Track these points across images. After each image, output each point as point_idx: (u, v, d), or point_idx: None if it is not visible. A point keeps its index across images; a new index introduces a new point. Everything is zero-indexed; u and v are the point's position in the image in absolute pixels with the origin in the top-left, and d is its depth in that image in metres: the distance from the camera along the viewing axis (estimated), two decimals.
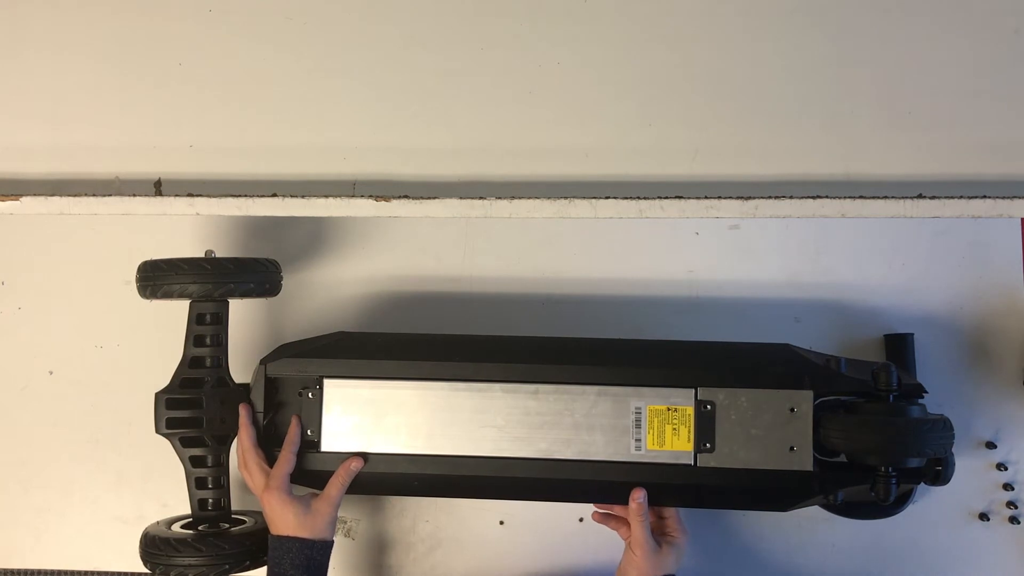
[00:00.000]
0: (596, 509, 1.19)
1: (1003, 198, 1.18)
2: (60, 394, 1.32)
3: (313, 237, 1.32)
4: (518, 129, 1.31)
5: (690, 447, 1.12)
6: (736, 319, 1.28)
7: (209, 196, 1.24)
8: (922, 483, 1.13)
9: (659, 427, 1.12)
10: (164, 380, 1.16)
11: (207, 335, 1.16)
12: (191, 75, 1.35)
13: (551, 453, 1.13)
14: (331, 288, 1.31)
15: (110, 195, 1.25)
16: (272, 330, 1.31)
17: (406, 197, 1.23)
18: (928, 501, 1.23)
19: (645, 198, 1.21)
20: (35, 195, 1.25)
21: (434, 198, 1.22)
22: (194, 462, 1.15)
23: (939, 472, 1.10)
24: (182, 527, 1.17)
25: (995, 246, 1.27)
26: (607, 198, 1.21)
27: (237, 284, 1.15)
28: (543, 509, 1.26)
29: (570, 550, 1.26)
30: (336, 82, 1.33)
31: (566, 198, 1.21)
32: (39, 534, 1.31)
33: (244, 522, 1.18)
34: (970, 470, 1.23)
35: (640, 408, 1.13)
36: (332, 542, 1.12)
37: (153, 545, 1.11)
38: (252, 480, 1.14)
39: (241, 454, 1.15)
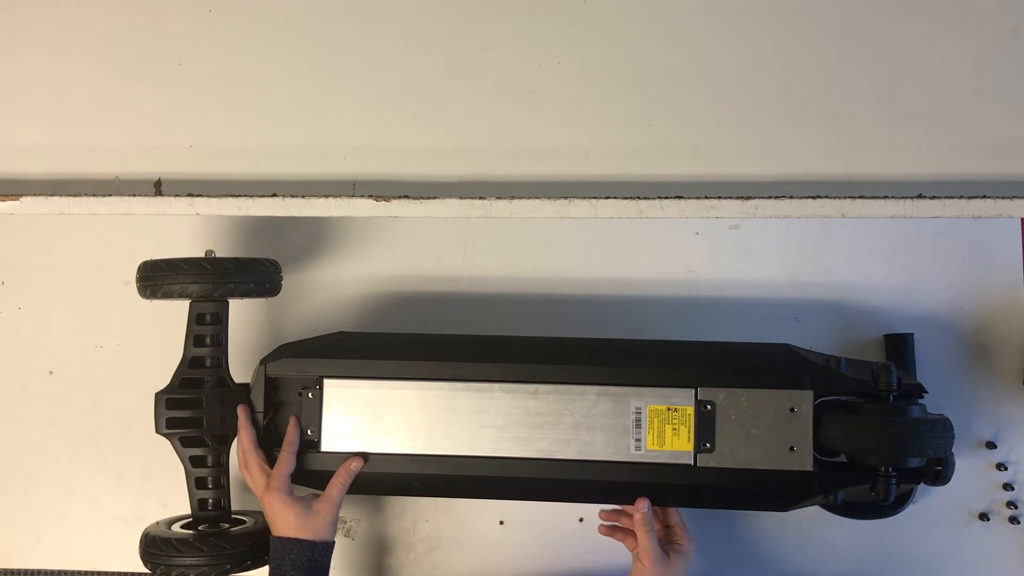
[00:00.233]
0: (602, 521, 1.18)
1: (1003, 198, 1.18)
2: (60, 394, 1.32)
3: (313, 237, 1.32)
4: (518, 129, 1.31)
5: (690, 447, 1.12)
6: (736, 319, 1.28)
7: (209, 196, 1.24)
8: (922, 483, 1.13)
9: (659, 427, 1.12)
10: (164, 380, 1.16)
11: (207, 335, 1.16)
12: (191, 75, 1.35)
13: (551, 453, 1.13)
14: (331, 288, 1.31)
15: (110, 195, 1.25)
16: (272, 330, 1.31)
17: (406, 197, 1.23)
18: (928, 501, 1.23)
19: (645, 198, 1.21)
20: (35, 195, 1.25)
21: (434, 198, 1.22)
22: (194, 462, 1.15)
23: (939, 472, 1.10)
24: (182, 527, 1.16)
25: (995, 246, 1.27)
26: (607, 198, 1.21)
27: (237, 284, 1.15)
28: (543, 509, 1.26)
29: (570, 550, 1.26)
30: (336, 82, 1.33)
31: (566, 198, 1.21)
32: (39, 534, 1.31)
33: (244, 522, 1.18)
34: (970, 470, 1.23)
35: (640, 408, 1.13)
36: (333, 543, 1.12)
37: (153, 545, 1.11)
38: (253, 481, 1.14)
39: (241, 455, 1.15)
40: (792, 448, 1.11)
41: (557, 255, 1.31)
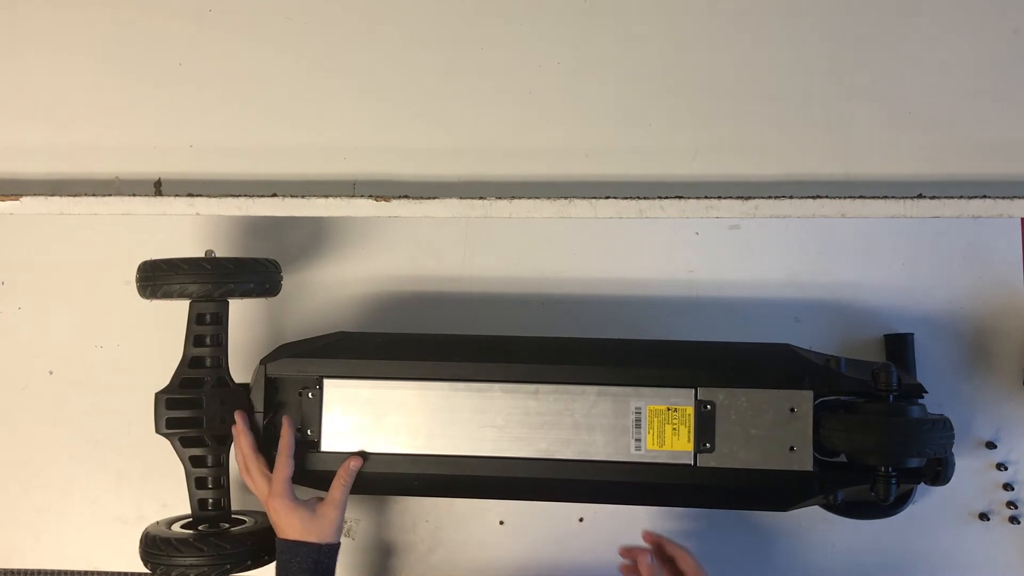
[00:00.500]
0: (624, 559, 1.12)
1: (1003, 198, 1.18)
2: (60, 394, 1.32)
3: (313, 237, 1.32)
4: (518, 129, 1.31)
5: (690, 447, 1.12)
6: (736, 319, 1.27)
7: (209, 196, 1.24)
8: (922, 483, 1.13)
9: (659, 427, 1.12)
10: (164, 380, 1.16)
11: (207, 335, 1.16)
12: (191, 75, 1.35)
13: (551, 453, 1.13)
14: (331, 288, 1.31)
15: (110, 195, 1.25)
16: (272, 330, 1.31)
17: (406, 197, 1.23)
18: (928, 501, 1.23)
19: (645, 198, 1.21)
20: (35, 195, 1.25)
21: (434, 198, 1.22)
22: (194, 462, 1.15)
23: (939, 472, 1.10)
24: (182, 527, 1.16)
25: (995, 246, 1.27)
26: (607, 198, 1.21)
27: (237, 284, 1.15)
28: (543, 509, 1.26)
29: (570, 550, 1.26)
30: (336, 82, 1.33)
31: (566, 198, 1.21)
32: (39, 534, 1.31)
33: (244, 522, 1.18)
34: (970, 470, 1.23)
35: (640, 408, 1.13)
36: (339, 544, 1.12)
37: (153, 545, 1.11)
38: (256, 486, 1.14)
39: (242, 461, 1.15)
40: (792, 448, 1.11)
41: (557, 255, 1.31)
